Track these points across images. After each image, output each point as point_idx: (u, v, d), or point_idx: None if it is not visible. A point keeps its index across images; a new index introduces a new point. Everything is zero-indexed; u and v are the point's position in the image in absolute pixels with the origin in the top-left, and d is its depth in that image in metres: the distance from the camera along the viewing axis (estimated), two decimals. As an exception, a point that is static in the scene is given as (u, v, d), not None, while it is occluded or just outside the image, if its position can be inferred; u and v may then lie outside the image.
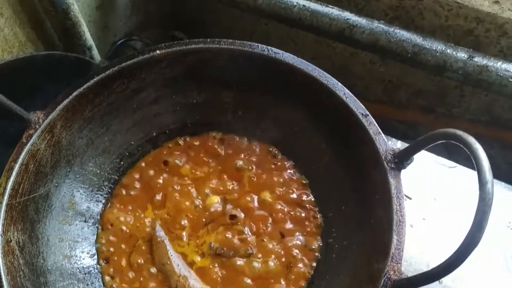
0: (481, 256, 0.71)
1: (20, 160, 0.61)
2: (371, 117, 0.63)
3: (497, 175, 0.54)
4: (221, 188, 0.74)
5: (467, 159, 0.80)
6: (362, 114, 0.63)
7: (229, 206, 0.72)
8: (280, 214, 0.71)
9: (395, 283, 0.52)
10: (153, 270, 0.68)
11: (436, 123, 0.62)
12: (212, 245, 0.69)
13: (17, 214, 0.61)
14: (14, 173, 0.61)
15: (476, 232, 0.45)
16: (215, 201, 0.72)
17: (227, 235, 0.69)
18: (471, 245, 0.45)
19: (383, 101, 0.64)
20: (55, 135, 0.66)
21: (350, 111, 0.64)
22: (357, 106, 0.64)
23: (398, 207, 0.57)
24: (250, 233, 0.70)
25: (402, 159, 0.59)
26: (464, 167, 0.79)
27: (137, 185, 0.75)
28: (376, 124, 0.62)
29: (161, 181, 0.75)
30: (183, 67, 0.71)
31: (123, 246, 0.70)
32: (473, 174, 0.77)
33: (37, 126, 0.64)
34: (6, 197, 0.59)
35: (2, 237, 0.57)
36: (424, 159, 0.79)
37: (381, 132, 0.62)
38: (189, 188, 0.74)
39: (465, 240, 0.45)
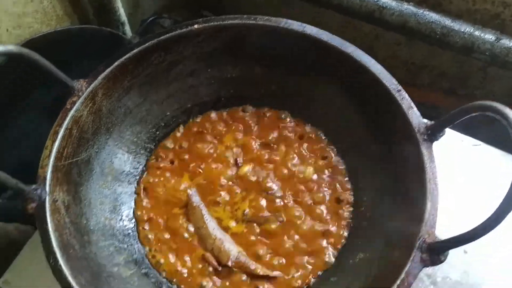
0: (507, 229, 0.73)
1: (64, 125, 0.64)
2: (404, 92, 0.65)
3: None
4: (255, 159, 0.76)
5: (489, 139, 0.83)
6: (395, 89, 0.65)
7: (262, 174, 0.74)
8: (313, 184, 0.73)
9: (430, 245, 0.54)
10: (188, 234, 0.71)
11: (458, 105, 0.64)
12: (245, 212, 0.72)
13: (62, 175, 0.63)
14: (59, 137, 0.63)
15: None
16: (249, 170, 0.75)
17: (261, 203, 0.72)
18: (508, 207, 0.47)
19: (406, 83, 0.66)
20: (96, 103, 0.68)
21: (383, 86, 0.65)
22: (390, 82, 0.66)
23: (431, 176, 0.59)
24: (282, 202, 0.72)
25: (434, 132, 0.61)
26: (488, 145, 0.81)
27: (172, 154, 0.77)
28: (409, 99, 0.65)
29: (195, 150, 0.77)
30: (219, 41, 0.73)
31: (159, 211, 0.73)
32: (497, 152, 0.80)
33: (80, 94, 0.66)
34: (52, 159, 0.61)
35: (49, 196, 0.59)
36: (448, 136, 0.81)
37: (413, 106, 0.64)
38: (224, 157, 0.76)
39: (503, 203, 0.47)
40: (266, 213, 0.72)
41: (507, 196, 0.47)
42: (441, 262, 0.55)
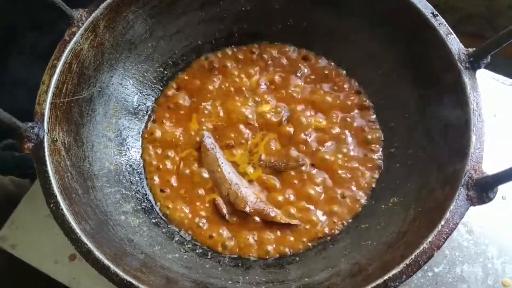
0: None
1: (63, 58, 0.57)
2: (441, 17, 0.59)
3: None
4: (273, 98, 0.70)
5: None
6: (432, 14, 0.59)
7: (285, 114, 0.68)
8: (337, 125, 0.67)
9: (477, 181, 0.48)
10: (201, 180, 0.65)
11: None
12: (262, 158, 0.66)
13: (62, 114, 0.57)
14: (57, 71, 0.56)
15: None
16: (267, 109, 0.68)
17: (277, 147, 0.66)
18: None
19: None
20: (98, 36, 0.61)
21: (418, 11, 0.59)
22: (426, 6, 0.59)
23: (475, 106, 0.53)
24: (305, 146, 0.66)
25: (477, 58, 0.54)
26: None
27: (182, 94, 0.71)
28: (447, 24, 0.58)
29: (207, 90, 0.71)
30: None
31: (169, 156, 0.67)
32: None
33: (80, 24, 0.59)
34: (50, 95, 0.55)
35: (48, 135, 0.53)
36: (481, 76, 0.75)
37: (452, 32, 0.57)
38: (239, 96, 0.70)
39: None
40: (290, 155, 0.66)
41: None
42: (490, 200, 0.49)
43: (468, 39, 0.94)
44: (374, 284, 0.46)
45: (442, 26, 0.58)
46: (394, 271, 0.47)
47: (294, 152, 0.66)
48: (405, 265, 0.47)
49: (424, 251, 0.47)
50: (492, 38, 0.53)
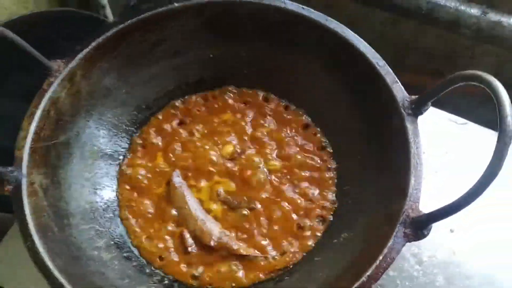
0: (492, 207, 0.73)
1: (42, 106, 0.62)
2: (388, 66, 0.64)
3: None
4: (237, 141, 0.75)
5: (476, 118, 0.83)
6: (379, 64, 0.64)
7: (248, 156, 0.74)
8: (296, 162, 0.73)
9: (413, 220, 0.53)
10: (170, 216, 0.70)
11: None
12: (219, 192, 0.71)
13: (40, 158, 0.62)
14: (36, 118, 0.61)
15: (497, 162, 0.46)
16: (230, 151, 0.74)
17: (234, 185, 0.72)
18: (492, 175, 0.46)
19: (393, 65, 0.65)
20: (75, 84, 0.66)
21: (368, 61, 0.64)
22: (374, 57, 0.65)
23: (415, 151, 0.58)
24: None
25: (419, 105, 0.60)
26: (474, 123, 0.80)
27: (154, 136, 0.76)
28: (393, 73, 0.64)
29: (177, 133, 0.76)
30: (201, 20, 0.72)
31: (141, 194, 0.72)
32: (484, 130, 0.80)
33: (57, 74, 0.65)
34: (29, 141, 0.60)
35: (26, 178, 0.58)
36: (436, 115, 0.81)
37: (398, 81, 0.63)
38: (207, 138, 0.75)
39: (486, 171, 0.46)
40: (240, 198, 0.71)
41: (490, 164, 0.46)
42: (425, 236, 0.54)
43: (430, 77, 1.00)
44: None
45: (388, 75, 0.63)
46: (335, 303, 0.52)
47: (251, 193, 0.71)
48: (345, 297, 0.52)
49: (363, 283, 0.52)
50: (431, 88, 0.59)
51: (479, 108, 0.91)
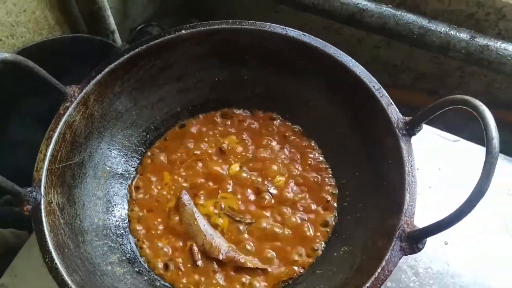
0: (484, 221, 0.77)
1: (58, 130, 0.66)
2: (383, 89, 0.68)
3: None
4: (242, 160, 0.79)
5: (468, 135, 0.87)
6: (375, 88, 0.68)
7: (250, 174, 0.78)
8: (296, 182, 0.77)
9: (409, 234, 0.57)
10: (179, 232, 0.73)
11: None
12: (222, 206, 0.75)
13: (56, 178, 0.66)
14: (53, 141, 0.65)
15: (484, 182, 0.49)
16: (237, 169, 0.78)
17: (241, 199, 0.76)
18: (480, 194, 0.50)
19: (388, 85, 0.69)
20: (88, 108, 0.71)
21: (364, 85, 0.69)
22: (370, 80, 0.69)
23: (409, 169, 0.62)
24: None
25: (412, 126, 0.64)
26: (467, 140, 0.84)
27: (163, 156, 0.80)
28: (388, 96, 0.68)
29: (186, 150, 0.80)
30: (206, 46, 0.77)
31: (151, 211, 0.76)
32: (475, 146, 0.84)
33: (73, 99, 0.69)
34: (46, 163, 0.64)
35: (44, 198, 0.62)
36: (429, 133, 0.85)
37: (392, 103, 0.67)
38: (214, 157, 0.79)
39: (474, 190, 0.50)
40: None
41: (478, 184, 0.50)
42: (420, 250, 0.57)
43: (425, 96, 1.04)
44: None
45: (384, 97, 0.67)
46: (336, 315, 0.55)
47: (252, 207, 0.75)
48: (345, 309, 0.55)
49: (362, 295, 0.56)
50: (423, 111, 0.62)
51: (470, 124, 0.95)
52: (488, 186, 0.50)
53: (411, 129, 0.64)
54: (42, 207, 0.61)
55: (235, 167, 0.78)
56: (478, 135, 0.89)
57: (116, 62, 0.72)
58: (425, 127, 0.86)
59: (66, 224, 0.64)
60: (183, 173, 0.78)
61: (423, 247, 0.57)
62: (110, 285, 0.64)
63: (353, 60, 0.71)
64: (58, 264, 0.58)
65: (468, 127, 0.92)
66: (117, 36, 0.95)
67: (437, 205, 0.76)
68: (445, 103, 0.58)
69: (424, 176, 0.80)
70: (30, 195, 0.61)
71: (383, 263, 0.56)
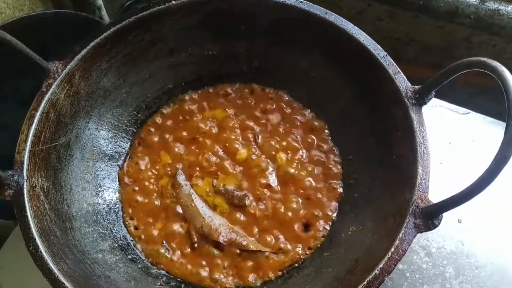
0: (499, 198, 0.72)
1: (40, 109, 0.61)
2: (389, 57, 0.64)
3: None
4: (241, 137, 0.74)
5: (475, 108, 0.83)
6: (380, 55, 0.64)
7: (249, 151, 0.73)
8: (300, 159, 0.72)
9: (423, 210, 0.53)
10: (175, 213, 0.69)
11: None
12: (214, 183, 0.70)
13: (40, 161, 0.61)
14: (35, 121, 0.60)
15: (507, 148, 0.45)
16: (235, 147, 0.73)
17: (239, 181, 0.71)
18: (502, 161, 0.45)
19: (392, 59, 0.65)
20: (74, 85, 0.65)
21: (369, 53, 0.64)
22: (375, 48, 0.64)
23: (421, 140, 0.57)
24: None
25: (422, 95, 0.59)
26: (476, 113, 0.80)
27: (155, 136, 0.75)
28: (395, 64, 0.63)
29: (180, 129, 0.75)
30: (198, 17, 0.71)
31: (143, 195, 0.71)
32: (486, 119, 0.80)
33: (56, 76, 0.63)
34: (28, 144, 0.59)
35: (27, 181, 0.57)
36: (437, 106, 0.81)
37: (400, 71, 0.62)
38: (208, 135, 0.74)
39: (497, 156, 0.45)
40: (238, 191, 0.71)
41: (500, 150, 0.45)
42: (436, 226, 0.53)
43: (429, 69, 1.00)
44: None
45: (390, 65, 0.63)
46: (348, 297, 0.51)
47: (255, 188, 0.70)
48: (358, 291, 0.51)
49: (376, 276, 0.51)
50: (433, 78, 0.58)
51: (477, 98, 0.90)
52: (511, 153, 0.46)
53: (421, 98, 0.59)
54: (25, 191, 0.56)
55: (235, 144, 0.73)
56: (485, 109, 0.86)
57: (102, 36, 0.66)
58: (433, 100, 0.82)
59: (51, 209, 0.60)
60: (178, 153, 0.73)
61: (439, 224, 0.53)
62: (101, 274, 0.59)
63: (356, 27, 0.66)
64: (43, 252, 0.54)
65: (474, 102, 0.88)
66: (104, 13, 0.89)
67: (449, 180, 0.71)
68: (460, 67, 0.54)
69: (434, 151, 0.75)
70: (12, 178, 0.56)
71: (397, 241, 0.52)
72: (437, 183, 0.71)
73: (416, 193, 0.54)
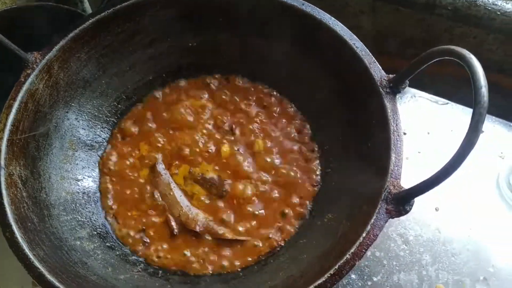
0: (475, 185, 0.73)
1: (19, 98, 0.62)
2: (365, 48, 0.64)
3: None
4: (220, 129, 0.75)
5: (457, 100, 0.84)
6: (356, 46, 0.64)
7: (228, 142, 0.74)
8: (278, 148, 0.73)
9: (395, 196, 0.53)
10: (153, 204, 0.70)
11: (427, 70, 0.64)
12: (190, 170, 0.71)
13: (19, 150, 0.61)
14: (13, 111, 0.61)
15: (473, 133, 0.46)
16: (227, 151, 0.73)
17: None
18: (469, 146, 0.46)
19: (373, 53, 0.66)
20: (52, 76, 0.66)
21: (345, 43, 0.64)
22: (352, 38, 0.65)
23: (395, 128, 0.58)
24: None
25: (397, 84, 0.60)
26: (455, 103, 0.81)
27: (135, 127, 0.76)
28: (371, 54, 0.64)
29: (160, 120, 0.76)
30: (177, 9, 0.71)
31: (123, 184, 0.71)
32: (464, 109, 0.80)
33: (34, 66, 0.64)
34: (6, 133, 0.60)
35: (4, 169, 0.58)
36: (416, 97, 0.81)
37: (375, 61, 0.63)
38: (188, 126, 0.75)
39: (463, 142, 0.46)
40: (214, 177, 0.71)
41: (467, 135, 0.46)
42: (407, 212, 0.54)
43: (408, 62, 1.00)
44: (300, 294, 0.51)
45: (366, 55, 0.63)
46: (319, 281, 0.51)
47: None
48: (329, 275, 0.52)
49: (347, 261, 0.52)
50: (407, 67, 0.59)
51: (460, 91, 0.91)
52: (477, 137, 0.46)
53: (395, 87, 0.60)
54: (2, 179, 0.57)
55: (226, 148, 0.73)
56: (468, 101, 0.86)
57: (82, 27, 0.67)
58: (413, 91, 0.83)
59: (29, 197, 0.60)
60: (157, 143, 0.74)
61: (410, 209, 0.54)
62: (78, 261, 0.60)
63: (333, 18, 0.66)
64: (19, 238, 0.54)
65: (457, 94, 0.89)
66: (87, 5, 0.90)
67: (426, 169, 0.71)
68: (432, 55, 0.54)
69: (412, 141, 0.76)
70: (-11, 167, 0.57)
71: (368, 227, 0.53)
72: (415, 172, 0.72)
73: (388, 179, 0.55)
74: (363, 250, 0.53)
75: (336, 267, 0.52)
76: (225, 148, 0.72)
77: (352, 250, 0.52)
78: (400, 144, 0.57)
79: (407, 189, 0.53)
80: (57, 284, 0.52)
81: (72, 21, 0.83)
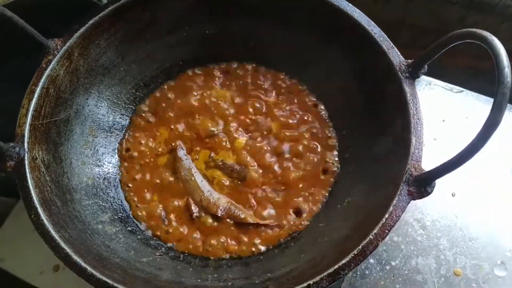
0: (491, 170, 0.74)
1: (41, 84, 0.62)
2: (384, 34, 0.65)
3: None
4: (239, 114, 0.76)
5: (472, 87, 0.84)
6: (374, 31, 0.65)
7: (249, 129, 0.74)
8: (296, 134, 0.73)
9: (416, 178, 0.54)
10: (173, 186, 0.70)
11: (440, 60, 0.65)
12: (211, 155, 0.72)
13: (41, 134, 0.62)
14: (35, 96, 0.62)
15: (497, 113, 0.46)
16: (233, 128, 0.74)
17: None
18: (493, 125, 0.46)
19: None
20: (73, 62, 0.67)
21: (364, 29, 0.65)
22: (369, 24, 0.65)
23: (415, 111, 0.59)
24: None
25: (416, 69, 0.60)
26: (470, 91, 0.81)
27: (153, 114, 0.77)
28: (389, 40, 0.64)
29: (178, 107, 0.77)
30: (194, -2, 0.72)
31: (143, 169, 0.72)
32: (479, 97, 0.81)
33: (55, 52, 0.65)
34: (29, 118, 0.60)
35: (28, 153, 0.58)
36: (431, 85, 0.82)
37: (394, 46, 0.63)
38: (206, 113, 0.76)
39: (487, 122, 0.46)
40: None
41: (490, 116, 0.46)
42: (429, 193, 0.54)
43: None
44: (326, 273, 0.51)
45: (384, 41, 0.64)
46: (343, 261, 0.52)
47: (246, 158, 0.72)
48: (353, 255, 0.52)
49: (371, 242, 0.52)
50: (425, 51, 0.59)
51: (473, 79, 0.92)
52: (501, 118, 0.46)
53: (414, 72, 0.61)
54: (26, 162, 0.58)
55: (244, 134, 0.74)
56: (481, 90, 0.87)
57: (100, 14, 0.68)
58: (428, 79, 0.83)
59: (52, 181, 0.61)
60: (175, 130, 0.74)
61: (432, 191, 0.54)
62: (101, 244, 0.60)
63: (350, 5, 0.67)
64: (45, 220, 0.55)
65: (471, 83, 0.89)
66: (103, -5, 0.90)
67: (442, 156, 0.72)
68: (451, 39, 0.55)
69: (428, 128, 0.77)
70: (13, 150, 0.57)
71: (391, 208, 0.53)
72: (431, 159, 0.73)
73: (410, 162, 0.55)
74: (386, 231, 0.53)
75: (360, 247, 0.52)
76: (244, 134, 0.73)
77: (375, 231, 0.53)
78: (420, 127, 0.58)
79: (428, 171, 0.53)
80: (83, 264, 0.52)
81: (87, 10, 0.85)
